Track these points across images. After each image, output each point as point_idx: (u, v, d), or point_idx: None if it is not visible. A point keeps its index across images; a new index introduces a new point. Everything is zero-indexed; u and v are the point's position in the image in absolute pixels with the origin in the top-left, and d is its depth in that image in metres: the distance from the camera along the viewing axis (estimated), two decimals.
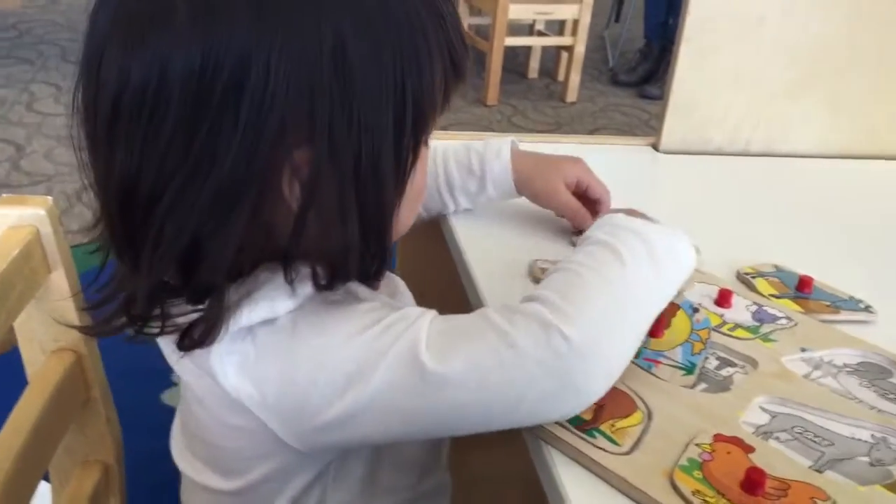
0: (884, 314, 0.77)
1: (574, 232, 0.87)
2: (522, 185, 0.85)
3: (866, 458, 0.59)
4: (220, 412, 0.60)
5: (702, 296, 0.77)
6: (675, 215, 0.95)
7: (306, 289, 0.56)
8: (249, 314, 0.54)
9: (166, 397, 1.66)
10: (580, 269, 0.59)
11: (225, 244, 0.51)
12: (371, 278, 0.59)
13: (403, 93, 0.53)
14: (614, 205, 0.91)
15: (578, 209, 0.85)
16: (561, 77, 3.63)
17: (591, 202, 0.86)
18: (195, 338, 0.54)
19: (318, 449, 0.61)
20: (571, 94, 3.49)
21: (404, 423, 0.55)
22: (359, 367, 0.54)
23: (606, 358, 0.56)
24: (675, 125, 1.14)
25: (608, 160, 1.03)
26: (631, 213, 0.74)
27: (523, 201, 0.88)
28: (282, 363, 0.55)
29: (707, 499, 0.53)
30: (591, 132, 3.18)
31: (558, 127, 3.22)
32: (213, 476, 0.65)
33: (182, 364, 0.59)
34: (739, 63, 1.12)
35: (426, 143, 0.60)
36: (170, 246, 0.51)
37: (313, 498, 0.65)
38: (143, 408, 1.64)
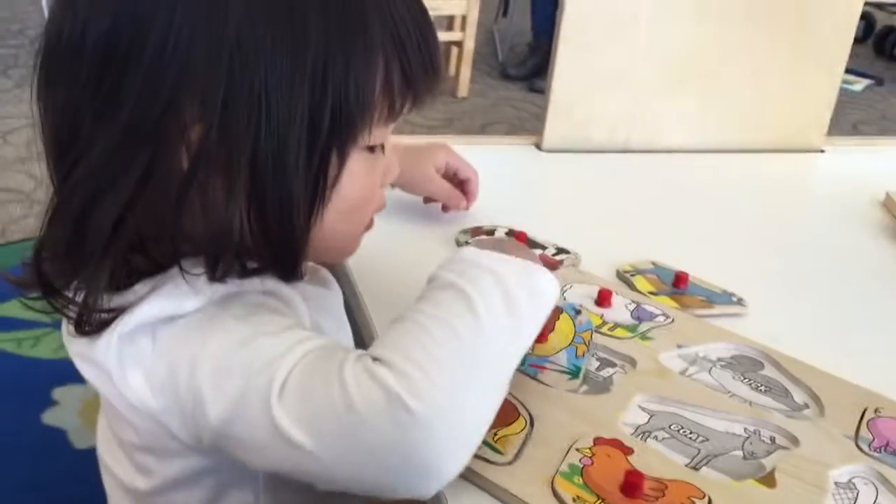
0: (755, 306, 0.80)
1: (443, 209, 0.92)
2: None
3: (740, 452, 0.61)
4: (124, 409, 0.56)
5: (583, 296, 0.78)
6: (557, 214, 0.97)
7: (216, 290, 0.53)
8: (144, 312, 0.52)
9: (48, 417, 1.58)
10: (427, 322, 0.51)
11: (109, 207, 0.51)
12: (284, 277, 0.56)
13: (324, 87, 0.51)
14: (498, 205, 0.93)
15: (451, 191, 0.90)
16: (452, 72, 3.64)
17: (460, 184, 0.91)
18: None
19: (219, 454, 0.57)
20: (463, 90, 3.50)
21: (246, 455, 0.52)
22: (221, 383, 0.51)
23: (460, 429, 0.49)
24: (556, 124, 1.15)
25: (492, 160, 1.04)
26: (494, 243, 0.67)
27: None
28: (172, 363, 0.52)
29: None
30: (483, 127, 3.20)
31: (450, 123, 3.23)
32: (133, 473, 0.61)
33: (77, 352, 0.56)
34: (616, 62, 1.14)
35: (369, 150, 0.57)
36: (65, 204, 0.52)
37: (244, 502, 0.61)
38: (22, 431, 1.57)
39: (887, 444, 0.63)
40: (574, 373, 0.66)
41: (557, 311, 0.72)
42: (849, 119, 3.55)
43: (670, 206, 1.04)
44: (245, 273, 0.54)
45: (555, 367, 0.67)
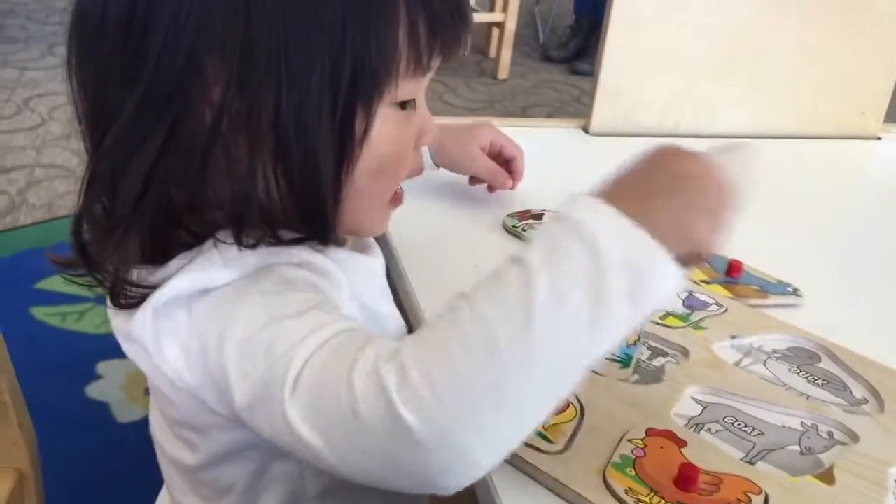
0: (811, 297, 0.78)
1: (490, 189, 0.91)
2: (439, 156, 0.87)
3: (797, 447, 0.59)
4: (164, 385, 0.56)
5: None
6: None
7: (250, 263, 0.52)
8: (177, 285, 0.51)
9: (92, 391, 1.61)
10: (466, 321, 0.45)
11: (136, 170, 0.50)
12: (318, 240, 0.55)
13: (343, 38, 0.50)
14: (544, 189, 0.90)
15: (497, 170, 0.89)
16: (492, 54, 3.61)
17: (505, 163, 0.90)
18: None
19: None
20: (503, 71, 3.47)
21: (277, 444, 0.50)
22: (250, 366, 0.49)
23: (465, 452, 0.43)
24: (604, 107, 1.13)
25: (538, 142, 1.02)
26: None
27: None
28: (204, 338, 0.52)
29: (640, 497, 0.52)
30: (524, 109, 3.17)
31: (490, 104, 3.21)
32: (182, 448, 0.61)
33: (121, 339, 0.56)
34: (667, 45, 1.11)
35: (399, 106, 0.55)
36: (97, 173, 0.52)
37: (291, 473, 0.60)
38: (67, 404, 1.59)
39: None
40: (625, 362, 0.65)
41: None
42: None
43: None
44: (277, 241, 0.53)
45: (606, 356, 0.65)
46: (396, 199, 0.61)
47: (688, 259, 0.48)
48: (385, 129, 0.54)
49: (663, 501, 0.52)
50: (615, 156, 1.03)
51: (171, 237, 0.53)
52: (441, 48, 0.55)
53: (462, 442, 0.43)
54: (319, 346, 0.48)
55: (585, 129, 1.15)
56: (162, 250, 0.53)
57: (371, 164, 0.54)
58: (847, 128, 1.20)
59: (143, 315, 0.52)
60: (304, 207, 0.53)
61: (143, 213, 0.51)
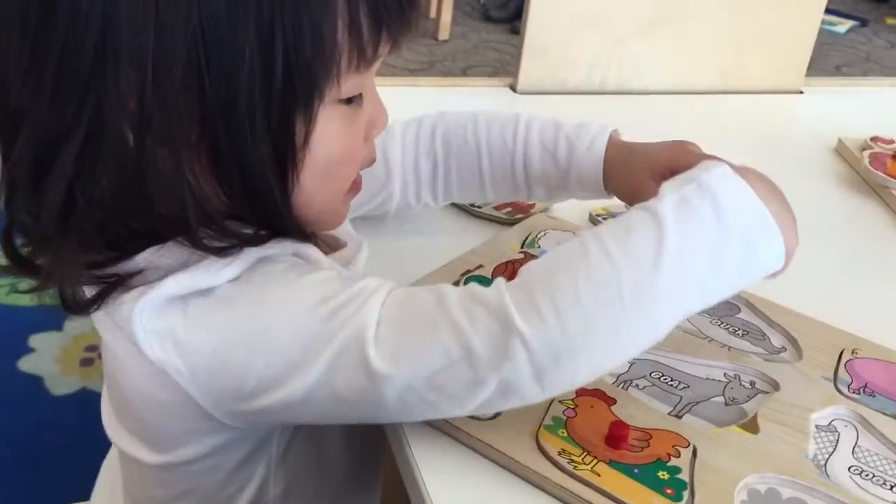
0: None
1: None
2: (609, 182, 0.70)
3: (721, 399, 0.61)
4: (144, 384, 0.53)
5: (557, 243, 0.76)
6: None
7: (250, 255, 0.51)
8: (180, 281, 0.49)
9: (25, 365, 1.57)
10: (592, 248, 0.49)
11: (54, 183, 0.46)
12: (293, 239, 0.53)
13: (271, 34, 0.45)
14: None
15: None
16: (433, 14, 3.57)
17: None
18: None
19: (253, 427, 0.56)
20: (444, 32, 3.43)
21: (343, 412, 0.51)
22: (302, 355, 0.49)
23: (572, 373, 0.49)
24: (531, 66, 1.13)
25: (466, 103, 1.02)
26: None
27: None
28: (217, 339, 0.49)
29: (573, 457, 0.53)
30: (464, 70, 3.15)
31: (431, 65, 3.18)
32: (142, 448, 0.59)
33: (98, 318, 0.53)
34: (591, 3, 1.12)
35: (344, 102, 0.51)
36: (13, 180, 0.48)
37: (256, 476, 0.60)
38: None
39: (865, 386, 0.63)
40: None
41: (533, 259, 0.71)
42: (832, 62, 3.52)
43: None
44: (256, 240, 0.51)
45: None
46: (354, 188, 0.59)
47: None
48: (329, 129, 0.50)
49: (595, 460, 0.53)
50: (542, 113, 1.04)
51: (121, 230, 0.50)
52: (388, 37, 0.51)
53: (571, 363, 0.47)
54: (384, 301, 0.49)
55: (513, 88, 1.15)
56: (126, 239, 0.50)
57: (318, 168, 0.51)
58: (770, 83, 1.23)
59: (131, 309, 0.49)
60: (255, 214, 0.51)
61: (73, 228, 0.48)
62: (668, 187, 0.52)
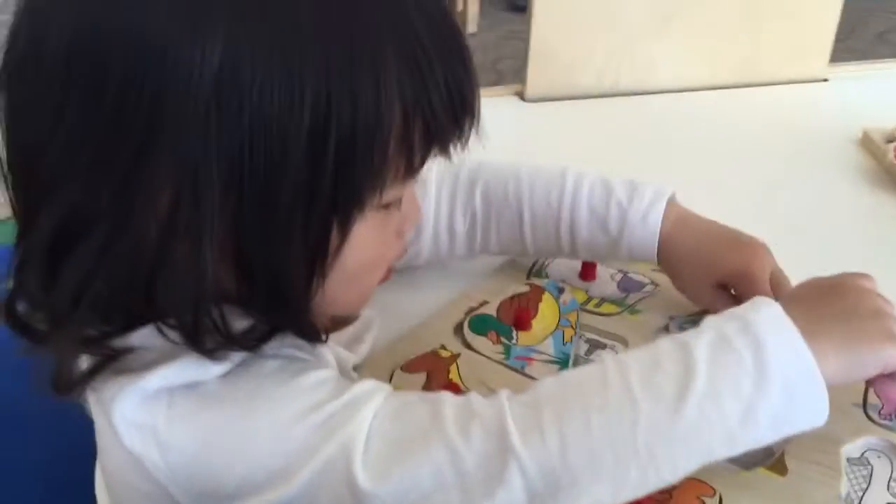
0: None
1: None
2: (665, 260, 0.66)
3: None
4: (122, 468, 0.51)
5: (566, 270, 0.73)
6: None
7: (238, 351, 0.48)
8: (167, 374, 0.47)
9: None
10: (612, 378, 0.46)
11: (73, 268, 0.44)
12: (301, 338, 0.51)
13: (323, 149, 0.42)
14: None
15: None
16: (460, 6, 3.51)
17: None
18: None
19: None
20: (472, 24, 3.37)
21: None
22: (285, 466, 0.46)
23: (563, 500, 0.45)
24: (539, 71, 1.09)
25: None
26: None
27: None
28: (200, 440, 0.47)
29: None
30: (494, 62, 3.09)
31: None
32: None
33: (89, 395, 0.51)
34: (597, 2, 1.07)
35: (382, 207, 0.48)
36: (31, 252, 0.45)
37: None
38: (60, 414, 1.51)
39: None
40: (563, 361, 0.63)
41: (540, 292, 0.68)
42: (872, 30, 3.26)
43: (664, 152, 0.99)
44: (257, 340, 0.48)
45: (542, 358, 0.63)
46: (383, 279, 0.56)
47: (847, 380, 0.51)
48: (363, 236, 0.47)
49: None
50: (553, 122, 0.98)
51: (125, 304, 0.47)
52: (440, 149, 0.48)
53: (569, 498, 0.44)
54: (377, 412, 0.47)
55: (521, 96, 1.11)
56: (123, 315, 0.48)
57: (345, 274, 0.48)
58: (792, 72, 1.17)
59: (115, 394, 0.47)
60: (268, 308, 0.48)
61: (81, 307, 0.45)
62: (710, 321, 0.49)
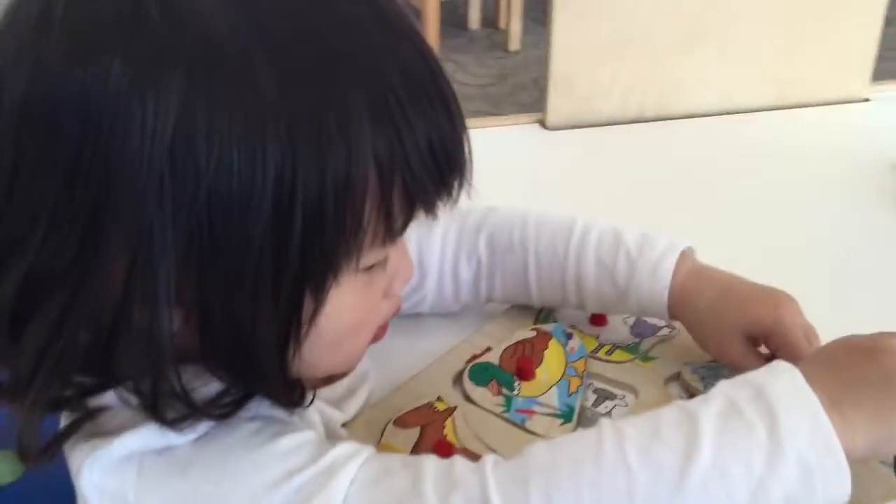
0: (794, 292, 0.61)
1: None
2: (683, 315, 0.62)
3: None
4: None
5: (577, 312, 0.68)
6: (567, 200, 0.85)
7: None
8: (132, 442, 0.44)
9: None
10: (608, 448, 0.43)
11: (29, 344, 0.42)
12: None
13: (289, 213, 0.39)
14: (500, 197, 0.71)
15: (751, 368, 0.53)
16: (503, 24, 3.49)
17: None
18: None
19: None
20: (514, 42, 3.33)
21: None
22: None
23: None
24: (560, 99, 1.05)
25: (490, 146, 0.94)
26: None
27: None
28: (161, 501, 0.45)
29: None
30: (536, 80, 3.04)
31: (502, 79, 3.09)
32: None
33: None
34: (620, 24, 1.03)
35: (363, 271, 0.46)
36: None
37: None
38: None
39: None
40: (567, 415, 0.58)
41: (546, 339, 0.64)
42: None
43: (690, 180, 0.94)
44: (229, 406, 0.45)
45: (544, 411, 0.58)
46: (375, 339, 0.53)
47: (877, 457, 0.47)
48: (342, 301, 0.45)
49: None
50: (577, 151, 0.93)
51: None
52: (424, 210, 0.45)
53: None
54: (353, 479, 0.44)
55: (543, 124, 1.07)
56: (81, 374, 0.45)
57: (323, 341, 0.45)
58: (831, 93, 1.11)
59: (84, 456, 0.45)
60: (239, 375, 0.45)
61: (44, 377, 0.43)
62: (722, 386, 0.45)
